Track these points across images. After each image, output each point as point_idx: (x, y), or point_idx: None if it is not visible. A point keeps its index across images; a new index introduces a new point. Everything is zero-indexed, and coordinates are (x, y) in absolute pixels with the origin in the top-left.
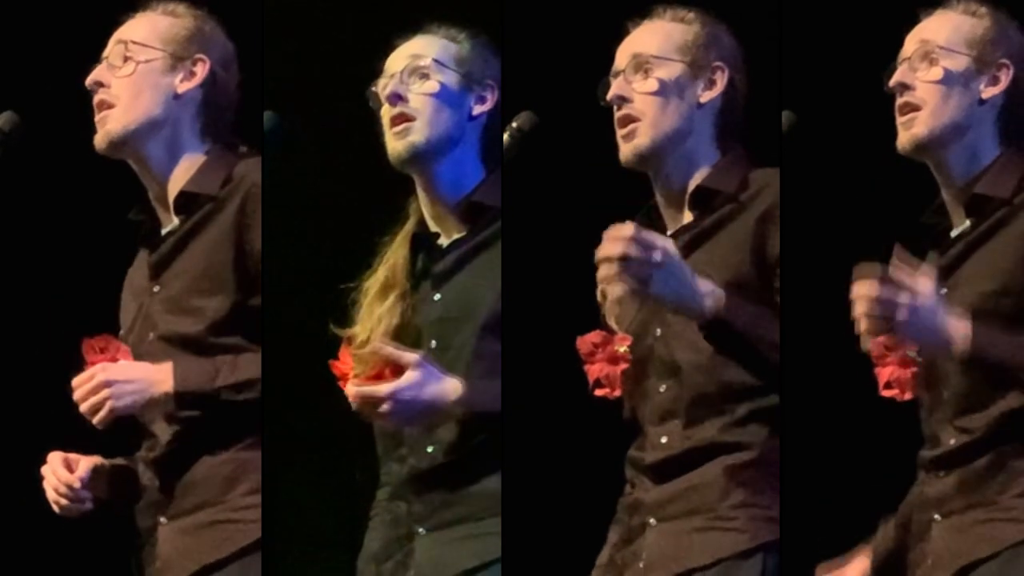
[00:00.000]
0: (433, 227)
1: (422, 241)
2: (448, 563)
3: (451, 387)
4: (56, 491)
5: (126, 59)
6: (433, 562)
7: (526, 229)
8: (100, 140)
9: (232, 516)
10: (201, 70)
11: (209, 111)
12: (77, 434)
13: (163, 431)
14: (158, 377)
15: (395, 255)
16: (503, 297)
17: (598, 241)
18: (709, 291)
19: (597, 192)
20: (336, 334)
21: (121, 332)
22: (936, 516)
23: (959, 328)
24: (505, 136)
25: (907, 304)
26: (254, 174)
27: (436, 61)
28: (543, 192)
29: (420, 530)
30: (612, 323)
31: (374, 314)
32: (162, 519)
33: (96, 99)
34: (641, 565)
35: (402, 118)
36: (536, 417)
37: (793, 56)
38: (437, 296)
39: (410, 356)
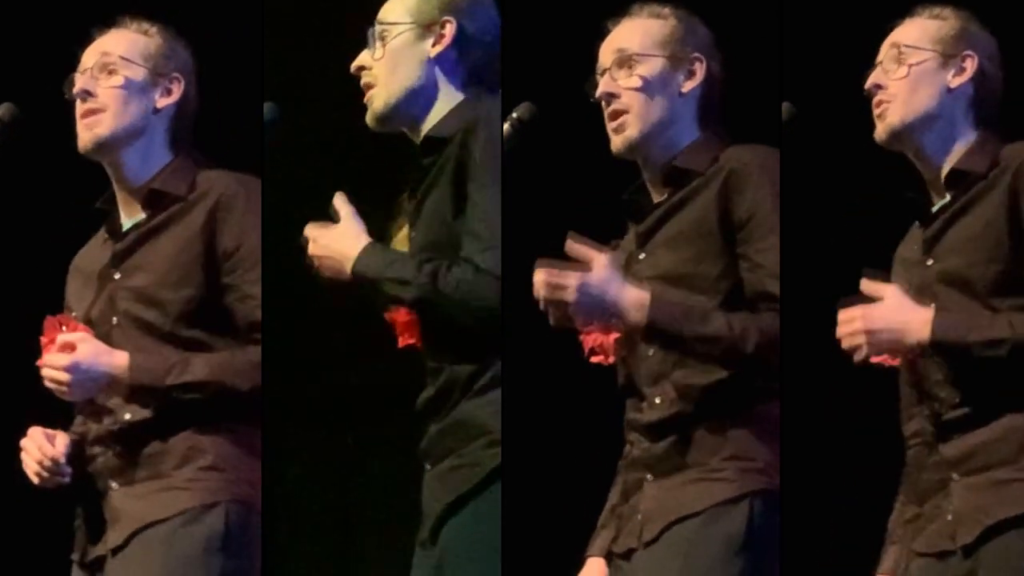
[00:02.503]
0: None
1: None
2: (437, 499)
3: (356, 246)
4: (40, 464)
5: (111, 72)
6: (429, 499)
7: (526, 209)
8: (86, 141)
9: (180, 485)
10: (177, 88)
11: (178, 124)
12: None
13: (120, 407)
14: (115, 373)
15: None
16: (503, 275)
17: (593, 219)
18: (634, 301)
19: (590, 173)
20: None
21: (74, 314)
22: (954, 476)
23: (920, 317)
24: (505, 126)
25: (861, 327)
26: (223, 182)
27: (123, 58)
28: (540, 175)
29: (427, 466)
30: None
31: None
32: (113, 484)
33: (83, 107)
34: (639, 517)
35: (90, 112)
36: (537, 384)
37: (793, 51)
38: (413, 233)
39: (346, 210)
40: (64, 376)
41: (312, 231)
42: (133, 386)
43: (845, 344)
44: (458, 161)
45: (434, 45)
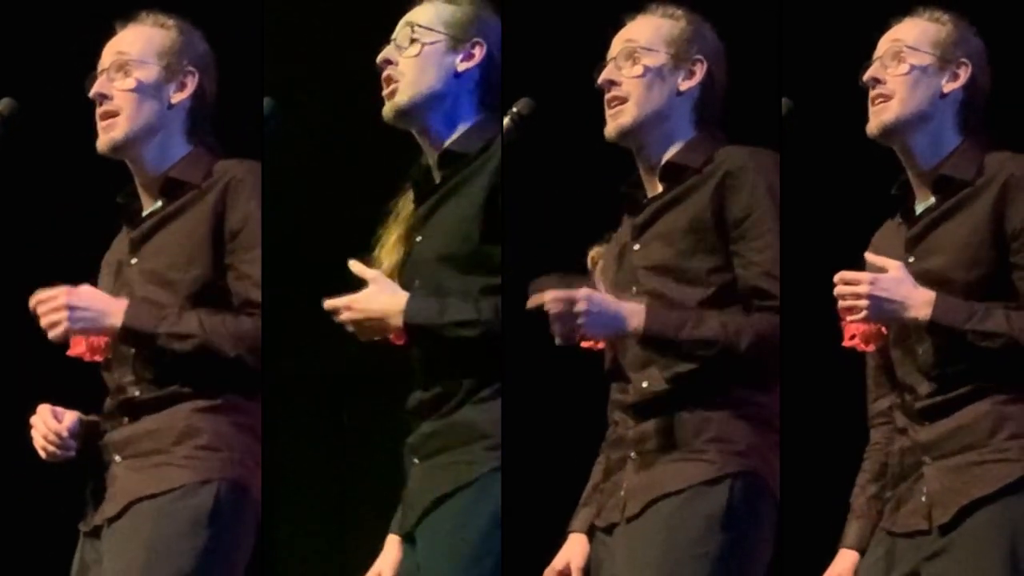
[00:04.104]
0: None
1: (419, 188)
2: (428, 489)
3: (397, 301)
4: (45, 438)
5: (125, 73)
6: (418, 490)
7: (527, 200)
8: (104, 144)
9: (176, 461)
10: (191, 82)
11: (194, 116)
12: (60, 392)
13: (131, 385)
14: (112, 310)
15: (406, 206)
16: (503, 258)
17: (591, 211)
18: (631, 311)
19: (591, 166)
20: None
21: None
22: (926, 459)
23: (922, 296)
24: (505, 120)
25: (867, 291)
26: (235, 169)
27: (137, 59)
28: (541, 166)
29: (415, 460)
30: (601, 288)
31: (382, 255)
32: (117, 458)
33: (101, 109)
34: (622, 494)
35: (106, 115)
36: (533, 365)
37: (792, 49)
38: (419, 238)
39: (370, 273)
40: (62, 303)
41: (339, 301)
42: (126, 328)
43: (845, 304)
44: (493, 187)
45: (462, 61)
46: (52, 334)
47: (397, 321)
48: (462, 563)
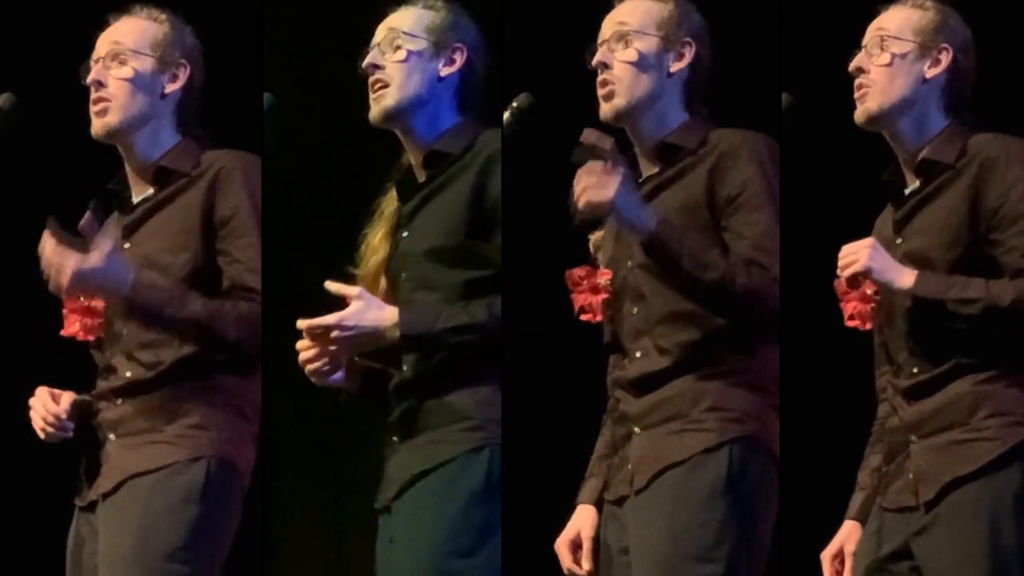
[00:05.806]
0: (420, 176)
1: (403, 186)
2: (406, 467)
3: (388, 314)
4: (44, 420)
5: (121, 62)
6: (397, 467)
7: (526, 180)
8: (99, 129)
9: (168, 439)
10: (183, 74)
11: (184, 107)
12: (55, 374)
13: (122, 365)
14: (121, 283)
15: (390, 204)
16: (503, 239)
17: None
18: (651, 215)
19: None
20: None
21: None
22: (913, 438)
23: (906, 271)
24: (506, 115)
25: (870, 243)
26: (223, 159)
27: (133, 49)
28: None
29: (395, 439)
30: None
31: (368, 252)
32: (111, 436)
33: (95, 95)
34: (629, 467)
35: (101, 100)
36: (532, 338)
37: (792, 45)
38: (405, 234)
39: (352, 289)
40: (68, 273)
41: (326, 320)
42: (132, 302)
43: (848, 251)
44: (478, 185)
45: (445, 66)
46: (53, 287)
47: (392, 333)
48: (438, 538)
